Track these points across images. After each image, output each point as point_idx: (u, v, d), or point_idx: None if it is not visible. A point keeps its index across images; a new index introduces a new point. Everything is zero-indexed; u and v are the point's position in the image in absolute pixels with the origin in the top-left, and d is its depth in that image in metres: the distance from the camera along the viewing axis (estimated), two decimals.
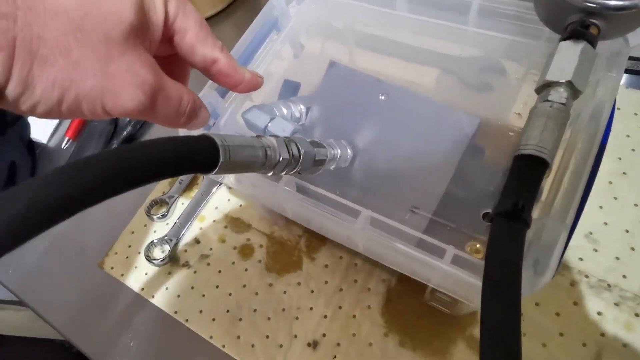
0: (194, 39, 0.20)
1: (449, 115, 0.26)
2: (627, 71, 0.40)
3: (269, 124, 0.24)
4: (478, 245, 0.23)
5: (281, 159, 0.18)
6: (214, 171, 0.15)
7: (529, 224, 0.17)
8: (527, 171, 0.18)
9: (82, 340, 0.41)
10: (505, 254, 0.16)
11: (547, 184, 0.21)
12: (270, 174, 0.19)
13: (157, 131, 0.53)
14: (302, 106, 0.30)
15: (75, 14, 0.16)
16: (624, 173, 0.36)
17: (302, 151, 0.20)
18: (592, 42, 0.20)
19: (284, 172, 0.20)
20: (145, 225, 0.45)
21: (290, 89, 0.33)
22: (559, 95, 0.19)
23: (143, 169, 0.12)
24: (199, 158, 0.14)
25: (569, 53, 0.20)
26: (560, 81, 0.19)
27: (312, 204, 0.22)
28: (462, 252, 0.19)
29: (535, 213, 0.20)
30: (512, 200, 0.17)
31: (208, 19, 0.58)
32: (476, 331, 0.33)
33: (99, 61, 0.16)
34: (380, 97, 0.28)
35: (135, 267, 0.43)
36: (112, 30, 0.16)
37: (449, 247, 0.19)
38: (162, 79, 0.18)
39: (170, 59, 0.22)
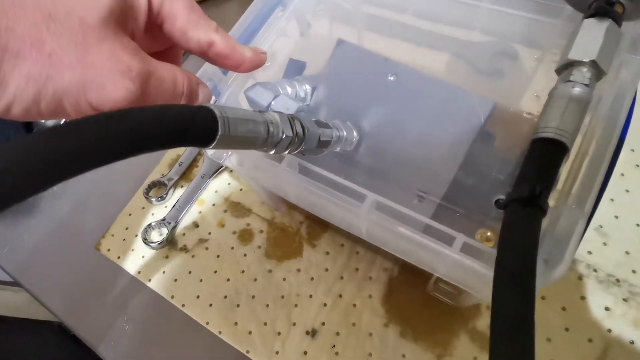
0: (185, 23, 0.19)
1: (461, 98, 0.25)
2: None
3: (272, 102, 0.23)
4: (489, 234, 0.22)
5: (284, 136, 0.17)
6: (212, 145, 0.14)
7: (545, 211, 0.16)
8: (546, 156, 0.17)
9: (77, 322, 0.40)
10: (520, 243, 0.15)
11: (563, 171, 0.20)
12: (272, 152, 0.18)
13: None
14: (307, 86, 0.29)
15: (46, 2, 0.14)
16: (637, 165, 0.35)
17: (306, 130, 0.19)
18: (617, 21, 0.19)
19: (287, 151, 0.19)
20: (143, 208, 0.44)
21: (295, 69, 0.31)
22: (582, 75, 0.18)
23: (132, 139, 0.11)
24: (195, 129, 0.13)
25: (594, 31, 0.18)
26: (584, 60, 0.18)
27: (316, 186, 0.21)
28: (472, 239, 0.18)
29: (551, 202, 0.19)
30: (529, 186, 0.16)
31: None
32: (479, 324, 0.32)
33: (76, 51, 0.15)
34: (390, 77, 0.27)
35: (132, 250, 0.42)
36: (88, 15, 0.15)
37: (459, 235, 0.18)
38: (150, 63, 0.17)
39: (157, 46, 0.21)
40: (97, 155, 0.10)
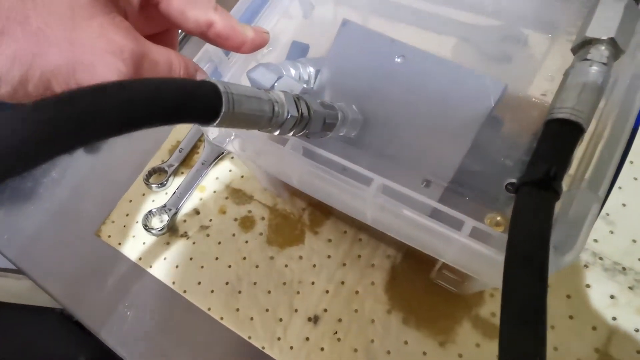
0: (183, 2, 0.18)
1: (472, 80, 0.24)
2: None
3: (276, 84, 0.22)
4: (499, 218, 0.22)
5: (289, 116, 0.17)
6: (215, 122, 0.13)
7: (559, 194, 0.16)
8: (561, 137, 0.17)
9: (79, 308, 0.40)
10: (533, 226, 0.15)
11: (576, 155, 0.19)
12: (276, 132, 0.17)
13: None
14: (311, 68, 0.28)
15: None
16: None
17: (311, 111, 0.19)
18: None
19: (291, 133, 0.18)
20: (144, 194, 0.44)
21: (298, 51, 0.30)
22: (599, 54, 0.17)
23: (128, 114, 0.10)
24: (198, 105, 0.12)
25: (612, 8, 0.18)
26: (602, 38, 0.17)
27: (320, 169, 0.20)
28: (481, 224, 0.18)
29: (565, 186, 0.19)
30: (543, 168, 0.16)
31: None
32: (482, 311, 0.32)
33: (64, 28, 0.14)
34: (397, 59, 0.26)
35: (133, 237, 0.42)
36: None
37: (468, 219, 0.18)
38: (144, 44, 0.16)
39: (152, 27, 0.20)
40: (89, 131, 0.10)
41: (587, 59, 0.17)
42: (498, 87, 0.23)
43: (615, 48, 0.17)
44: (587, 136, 0.19)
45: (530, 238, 0.15)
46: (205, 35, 0.19)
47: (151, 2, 0.18)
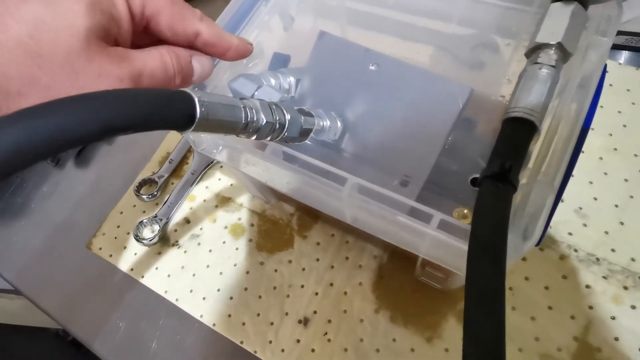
0: (170, 18, 0.19)
1: (440, 84, 0.26)
2: (621, 47, 0.40)
3: (256, 93, 0.23)
4: (465, 211, 0.23)
5: (264, 122, 0.18)
6: (191, 128, 0.14)
7: (515, 186, 0.17)
8: (515, 134, 0.18)
9: (71, 320, 0.41)
10: (491, 214, 0.16)
11: (535, 150, 0.20)
12: (253, 138, 0.18)
13: None
14: (291, 78, 0.29)
15: (30, 42, 0.15)
16: (615, 149, 0.36)
17: (287, 117, 0.20)
18: (584, 4, 0.20)
19: (269, 138, 0.20)
20: (135, 206, 0.45)
21: (280, 62, 0.32)
22: (548, 57, 0.19)
23: (106, 120, 0.12)
24: (173, 112, 0.13)
25: (560, 15, 0.19)
26: (551, 43, 0.19)
27: (300, 172, 0.22)
28: (449, 217, 0.19)
29: (524, 179, 0.20)
30: (499, 162, 0.17)
31: None
32: None
33: (69, 79, 0.16)
34: (371, 67, 0.27)
35: (125, 248, 0.42)
36: (71, 44, 0.16)
37: (436, 213, 0.19)
38: (136, 61, 0.18)
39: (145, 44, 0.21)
40: (68, 136, 0.11)
41: (537, 63, 0.19)
42: (465, 91, 0.25)
43: (563, 52, 0.19)
44: (543, 133, 0.20)
45: (489, 227, 0.16)
46: (193, 44, 0.21)
47: (141, 25, 0.20)
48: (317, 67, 0.29)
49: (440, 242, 0.19)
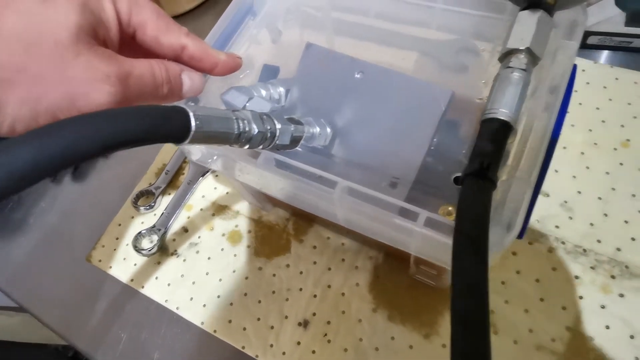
0: (155, 30, 0.20)
1: (423, 89, 0.27)
2: (596, 47, 0.41)
3: (247, 104, 0.24)
4: (450, 208, 0.24)
5: (256, 132, 0.19)
6: (187, 140, 0.15)
7: (494, 182, 0.18)
8: (492, 133, 0.19)
9: (72, 333, 0.41)
10: (473, 209, 0.17)
11: (512, 148, 0.22)
12: (246, 147, 0.19)
13: None
14: (281, 88, 0.31)
15: (24, 33, 0.16)
16: (595, 144, 0.37)
17: (278, 126, 0.21)
18: (549, 11, 0.21)
19: (261, 147, 0.21)
20: (133, 217, 0.45)
21: (269, 73, 0.33)
22: (519, 61, 0.20)
23: (112, 136, 0.13)
24: (170, 126, 0.14)
25: (527, 22, 0.21)
26: (520, 48, 0.20)
27: (292, 177, 0.23)
28: (435, 214, 0.20)
29: (503, 176, 0.21)
30: (478, 161, 0.18)
31: (188, 13, 0.58)
32: None
33: (57, 69, 0.17)
34: (356, 75, 0.29)
35: (124, 259, 0.43)
36: (61, 36, 0.17)
37: (422, 211, 0.20)
38: (125, 63, 0.19)
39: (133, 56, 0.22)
40: (78, 151, 0.12)
41: (509, 67, 0.20)
42: (447, 94, 0.26)
43: (532, 56, 0.20)
44: (520, 132, 0.21)
45: (471, 220, 0.17)
46: (180, 58, 0.22)
47: (128, 33, 0.21)
48: (306, 77, 0.30)
49: (428, 238, 0.20)
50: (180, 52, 0.21)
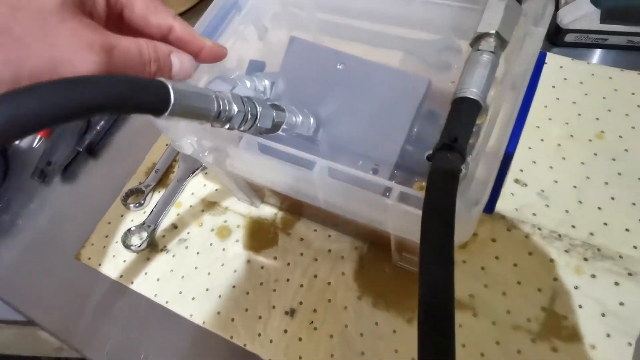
0: (144, 9, 0.21)
1: (401, 78, 0.28)
2: (574, 44, 0.43)
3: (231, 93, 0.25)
4: (423, 184, 0.25)
5: (236, 112, 0.20)
6: (166, 112, 0.16)
7: (463, 155, 0.19)
8: (461, 111, 0.20)
9: (63, 329, 0.41)
10: (442, 180, 0.18)
11: (483, 128, 0.23)
12: (227, 127, 0.20)
13: (131, 125, 0.53)
14: (266, 81, 0.32)
15: None
16: (571, 136, 0.39)
17: (259, 109, 0.22)
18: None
19: (242, 128, 0.22)
20: (122, 215, 0.46)
21: (255, 68, 0.34)
22: (488, 45, 0.22)
23: (88, 99, 0.13)
24: (149, 96, 0.15)
25: (496, 8, 0.22)
26: (490, 32, 0.22)
27: (273, 159, 0.24)
28: (408, 188, 0.21)
29: (474, 153, 0.22)
30: (447, 135, 0.19)
31: (182, 14, 0.60)
32: None
33: (40, 33, 0.17)
34: (339, 66, 0.30)
35: (113, 256, 0.43)
36: (47, 2, 0.17)
37: (396, 185, 0.21)
38: (112, 37, 0.18)
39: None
40: (55, 111, 0.13)
41: (479, 50, 0.22)
42: (423, 83, 0.28)
43: (501, 39, 0.22)
44: (491, 111, 0.23)
45: (439, 189, 0.18)
46: (167, 39, 0.22)
47: (115, 9, 0.21)
48: (290, 70, 0.32)
49: (402, 213, 0.21)
50: (167, 34, 0.21)
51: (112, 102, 0.14)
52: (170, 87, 0.16)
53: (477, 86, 0.21)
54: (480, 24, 0.22)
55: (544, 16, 0.24)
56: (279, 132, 0.25)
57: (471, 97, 0.21)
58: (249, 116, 0.21)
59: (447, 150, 0.19)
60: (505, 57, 0.23)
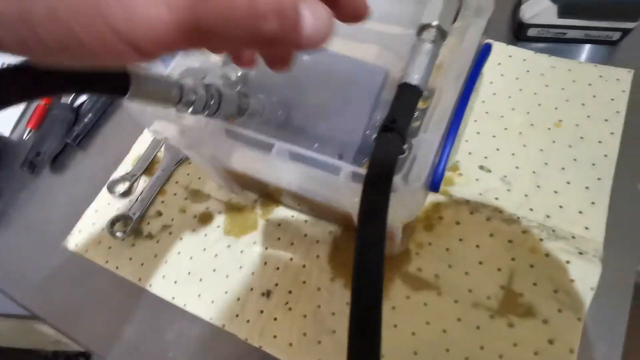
0: None
1: (360, 68, 0.30)
2: (535, 39, 0.45)
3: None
4: None
5: (199, 95, 0.22)
6: (127, 94, 0.18)
7: (403, 135, 0.21)
8: (403, 95, 0.22)
9: (50, 313, 0.43)
10: (381, 156, 0.20)
11: (429, 111, 0.25)
12: (189, 111, 0.22)
13: (118, 117, 0.55)
14: (240, 72, 0.34)
15: None
16: (532, 124, 0.41)
17: (223, 95, 0.24)
18: None
19: (206, 113, 0.23)
20: (109, 204, 0.48)
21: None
22: (430, 35, 0.24)
23: (52, 78, 0.15)
24: (110, 77, 0.17)
25: (437, 2, 0.24)
26: (432, 23, 0.24)
27: (241, 146, 0.26)
28: (357, 167, 0.23)
29: (419, 134, 0.24)
30: (388, 116, 0.21)
31: None
32: (409, 268, 0.37)
33: None
34: (304, 57, 0.32)
35: (99, 243, 0.45)
36: None
37: (345, 165, 0.23)
38: None
39: None
40: (20, 91, 0.14)
41: (422, 39, 0.24)
42: (381, 72, 0.30)
43: (441, 30, 0.24)
44: (434, 98, 0.25)
45: (378, 164, 0.20)
46: None
47: None
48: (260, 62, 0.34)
49: (353, 190, 0.23)
50: None
51: (68, 83, 0.15)
52: (130, 70, 0.17)
53: (418, 72, 0.23)
54: (424, 15, 0.24)
55: (485, 8, 0.26)
56: (245, 117, 0.27)
57: (412, 83, 0.23)
58: (212, 102, 0.23)
59: (388, 131, 0.21)
60: (449, 46, 0.25)
